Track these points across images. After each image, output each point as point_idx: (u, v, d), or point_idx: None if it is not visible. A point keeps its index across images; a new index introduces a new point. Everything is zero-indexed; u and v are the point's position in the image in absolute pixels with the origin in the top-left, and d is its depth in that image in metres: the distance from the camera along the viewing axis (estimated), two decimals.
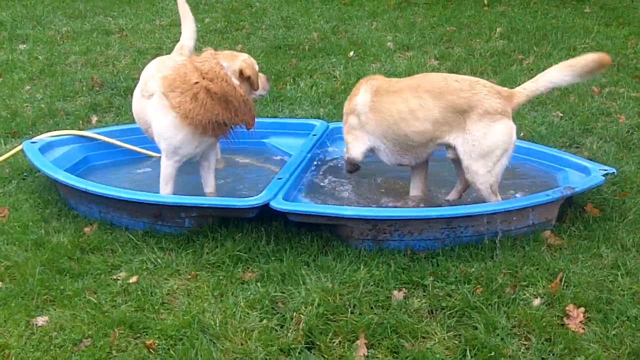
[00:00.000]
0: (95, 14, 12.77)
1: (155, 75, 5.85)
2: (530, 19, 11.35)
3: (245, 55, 5.68)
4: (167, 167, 5.77)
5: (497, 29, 10.81)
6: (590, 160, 6.21)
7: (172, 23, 11.90)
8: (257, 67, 5.71)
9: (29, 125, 7.81)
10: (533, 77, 7.89)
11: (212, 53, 5.60)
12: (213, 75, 5.45)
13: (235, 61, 5.57)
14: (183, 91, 5.49)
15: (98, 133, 6.82)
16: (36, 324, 4.57)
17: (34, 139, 6.61)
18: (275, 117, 7.80)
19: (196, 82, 5.45)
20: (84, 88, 8.97)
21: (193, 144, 5.67)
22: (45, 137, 6.67)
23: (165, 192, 5.78)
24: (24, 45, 11.06)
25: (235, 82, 5.50)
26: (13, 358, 4.29)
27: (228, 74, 5.49)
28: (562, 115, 7.62)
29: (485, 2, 12.51)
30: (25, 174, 6.66)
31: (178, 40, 9.97)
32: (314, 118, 7.44)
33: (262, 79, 5.82)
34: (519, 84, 8.23)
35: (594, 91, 8.25)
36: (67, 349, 4.34)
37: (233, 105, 5.52)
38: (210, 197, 5.92)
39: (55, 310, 4.71)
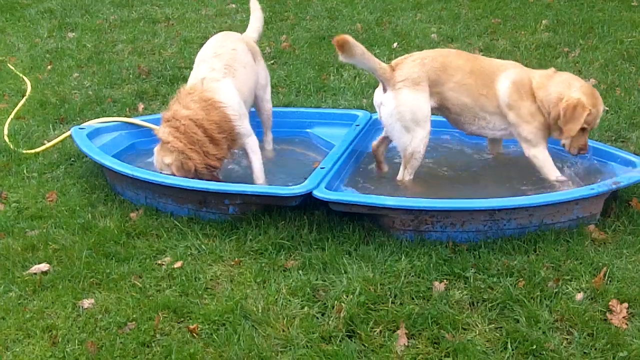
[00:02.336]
0: (142, 3, 12.85)
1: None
2: (576, 12, 11.22)
3: None
4: None
5: (543, 21, 10.71)
6: (637, 154, 6.15)
7: (217, 13, 11.95)
8: None
9: (77, 112, 7.92)
10: (579, 69, 7.85)
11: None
12: None
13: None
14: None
15: (145, 120, 6.90)
16: (82, 306, 4.66)
17: (82, 125, 6.72)
18: (319, 107, 7.81)
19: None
20: (130, 76, 9.06)
21: None
22: (93, 123, 6.78)
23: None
24: (73, 34, 11.18)
25: None
26: (60, 339, 4.38)
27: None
28: (607, 109, 7.54)
29: None
30: (73, 159, 6.77)
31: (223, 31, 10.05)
32: (357, 109, 7.43)
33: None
34: None
35: None
36: (112, 332, 4.42)
37: None
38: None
39: (101, 293, 4.79)
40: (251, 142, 6.07)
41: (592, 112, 5.59)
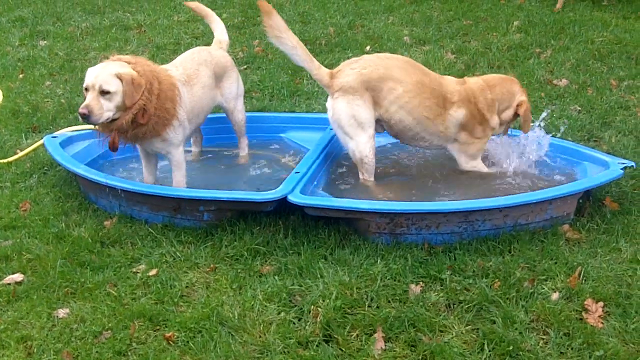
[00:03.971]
0: (114, 10, 12.81)
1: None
2: (548, 12, 11.30)
3: None
4: None
5: (514, 22, 10.77)
6: (609, 153, 6.19)
7: (189, 19, 11.91)
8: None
9: (50, 120, 7.87)
10: (551, 70, 7.92)
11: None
12: None
13: None
14: None
15: None
16: (57, 316, 4.62)
17: (55, 134, 6.68)
18: (293, 111, 7.81)
19: None
20: None
21: None
22: (66, 131, 6.74)
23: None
24: (45, 42, 11.12)
25: None
26: (35, 349, 4.34)
27: None
28: (580, 109, 7.60)
29: None
30: (46, 168, 6.72)
31: (196, 37, 10.04)
32: None
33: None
34: (537, 78, 8.31)
35: (612, 84, 8.22)
36: (88, 341, 4.39)
37: None
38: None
39: (76, 302, 4.75)
40: (177, 155, 5.94)
41: None
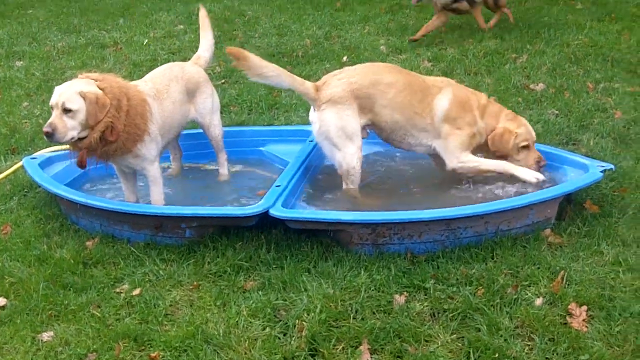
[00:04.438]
0: (89, 28, 12.79)
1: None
2: (523, 17, 11.36)
3: None
4: None
5: (489, 28, 10.83)
6: (588, 156, 6.22)
7: (166, 35, 11.92)
8: None
9: (28, 142, 7.84)
10: (527, 75, 7.95)
11: None
12: None
13: None
14: None
15: None
16: (42, 340, 4.59)
17: (34, 155, 6.65)
18: (271, 124, 7.81)
19: None
20: None
21: None
22: (45, 152, 6.70)
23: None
24: (21, 62, 11.09)
25: None
26: None
27: None
28: (557, 112, 7.64)
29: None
30: (26, 190, 6.68)
31: (172, 52, 10.03)
32: (310, 124, 7.42)
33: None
34: (513, 83, 8.35)
35: (588, 87, 8.27)
36: None
37: None
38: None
39: (60, 325, 4.73)
40: (153, 171, 5.92)
41: None
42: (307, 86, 5.90)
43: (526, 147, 5.92)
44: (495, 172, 5.96)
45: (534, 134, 6.02)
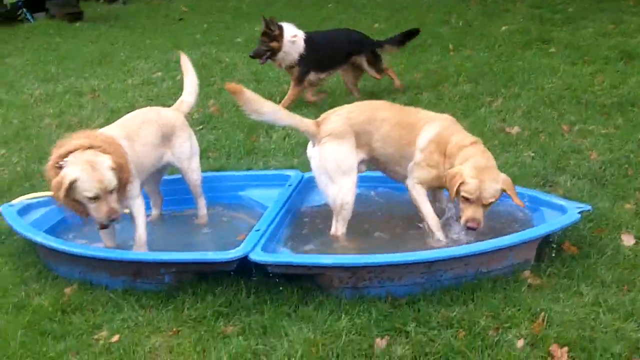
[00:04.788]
0: (67, 76, 12.80)
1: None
2: (496, 62, 11.49)
3: (85, 175, 5.52)
4: None
5: (463, 72, 10.92)
6: (565, 198, 6.26)
7: (143, 82, 11.95)
8: (91, 193, 5.49)
9: (6, 189, 7.79)
10: (503, 118, 8.02)
11: (83, 146, 5.62)
12: (48, 166, 5.71)
13: (72, 169, 5.53)
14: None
15: None
16: None
17: (12, 202, 6.60)
18: (250, 169, 7.82)
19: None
20: None
21: None
22: (23, 199, 6.67)
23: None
24: None
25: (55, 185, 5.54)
26: None
27: (57, 176, 5.55)
28: (533, 155, 7.69)
29: (451, 47, 12.66)
30: (3, 237, 6.61)
31: (150, 99, 10.05)
32: (289, 168, 7.47)
33: (104, 209, 5.55)
34: (489, 126, 8.42)
35: (563, 129, 8.34)
36: None
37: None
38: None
39: None
40: (137, 204, 6.00)
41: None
42: (307, 123, 6.06)
43: (467, 199, 5.65)
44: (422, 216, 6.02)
45: (487, 192, 5.61)
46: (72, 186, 5.41)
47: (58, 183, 5.43)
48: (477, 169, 5.60)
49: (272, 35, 9.77)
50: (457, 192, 5.60)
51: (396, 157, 6.05)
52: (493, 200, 5.61)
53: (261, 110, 5.93)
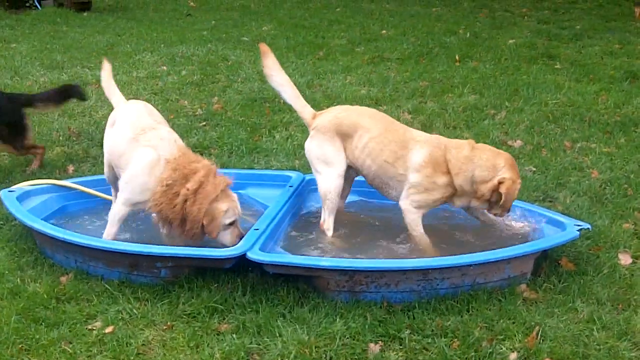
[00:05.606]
0: (72, 65, 12.78)
1: (161, 130, 6.03)
2: (501, 75, 11.50)
3: (233, 204, 5.76)
4: (121, 211, 5.90)
5: (468, 84, 10.93)
6: (564, 214, 6.27)
7: (149, 75, 11.94)
8: (232, 219, 5.73)
9: (6, 175, 7.80)
10: (506, 131, 8.02)
11: (223, 186, 5.75)
12: (198, 200, 5.61)
13: (221, 203, 5.67)
14: (173, 180, 5.64)
15: (75, 183, 6.81)
16: None
17: (12, 188, 6.59)
18: (252, 168, 7.83)
19: (187, 189, 5.62)
20: (60, 138, 8.97)
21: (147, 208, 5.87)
22: (23, 186, 6.66)
23: (112, 231, 5.90)
24: None
25: (206, 221, 5.63)
26: None
27: (208, 211, 5.62)
28: (535, 169, 7.71)
29: (457, 57, 12.67)
30: (1, 222, 6.61)
31: (155, 93, 10.03)
32: (290, 169, 7.48)
33: (235, 233, 5.75)
34: (492, 139, 8.42)
35: (565, 146, 8.36)
36: None
37: (186, 228, 5.68)
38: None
39: (30, 359, 4.66)
40: None
41: None
42: (306, 111, 6.36)
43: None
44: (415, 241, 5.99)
45: None
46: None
47: (211, 217, 5.63)
48: (514, 169, 5.88)
49: None
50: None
51: (379, 174, 6.00)
52: None
53: (274, 78, 6.44)
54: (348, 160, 6.10)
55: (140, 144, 5.83)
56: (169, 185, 5.62)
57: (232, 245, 5.61)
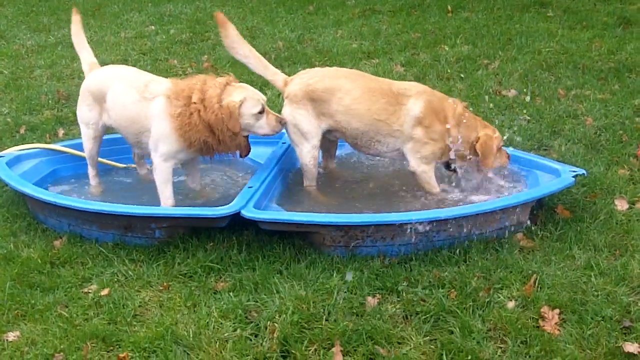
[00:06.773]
0: (59, 27, 12.65)
1: (158, 79, 5.94)
2: (495, 24, 11.41)
3: (249, 92, 5.65)
4: (165, 170, 5.78)
5: (461, 34, 10.85)
6: (560, 162, 6.23)
7: (137, 35, 11.83)
8: (258, 108, 5.61)
9: None
10: (500, 81, 7.95)
11: (225, 82, 5.63)
12: (208, 104, 5.49)
13: (234, 95, 5.56)
14: (186, 104, 5.54)
15: (65, 146, 6.75)
16: (7, 339, 4.50)
17: (1, 153, 6.52)
18: None
19: (194, 102, 5.51)
20: (50, 101, 8.89)
21: (187, 152, 5.73)
22: (13, 150, 6.59)
23: (167, 194, 5.80)
24: None
25: (225, 117, 5.49)
26: None
27: (222, 107, 5.49)
28: (529, 118, 7.66)
29: (449, 8, 12.55)
30: None
31: (144, 53, 9.94)
32: None
33: (271, 118, 5.68)
34: (486, 89, 8.36)
35: (560, 94, 8.30)
36: None
37: (218, 136, 5.56)
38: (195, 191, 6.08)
39: (26, 325, 4.64)
40: None
41: None
42: (277, 78, 6.16)
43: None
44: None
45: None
46: (240, 109, 5.56)
47: (228, 111, 5.50)
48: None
49: None
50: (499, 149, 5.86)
51: (369, 132, 5.89)
52: None
53: (237, 50, 6.20)
54: (328, 126, 5.94)
55: (146, 99, 5.77)
56: (180, 113, 5.57)
57: (274, 133, 5.72)
